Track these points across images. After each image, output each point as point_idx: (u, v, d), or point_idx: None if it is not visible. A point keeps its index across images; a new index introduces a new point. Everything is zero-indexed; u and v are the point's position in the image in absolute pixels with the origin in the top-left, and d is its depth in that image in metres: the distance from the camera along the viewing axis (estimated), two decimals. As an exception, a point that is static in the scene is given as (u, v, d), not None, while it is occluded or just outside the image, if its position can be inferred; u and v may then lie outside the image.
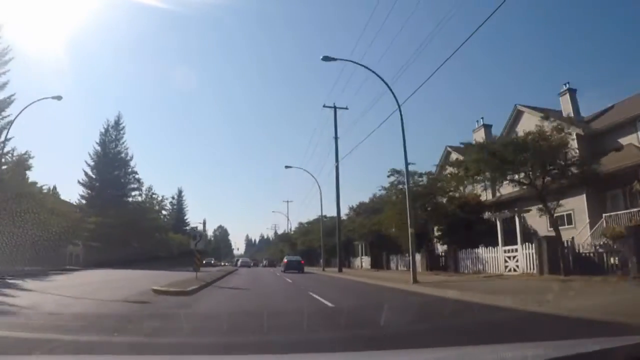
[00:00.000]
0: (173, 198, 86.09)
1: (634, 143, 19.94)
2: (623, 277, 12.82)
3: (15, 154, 31.47)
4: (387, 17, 72.53)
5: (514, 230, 22.18)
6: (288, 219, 76.14)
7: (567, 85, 27.78)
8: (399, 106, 18.59)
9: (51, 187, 50.89)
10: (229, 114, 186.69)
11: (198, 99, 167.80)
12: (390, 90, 18.87)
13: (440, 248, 27.05)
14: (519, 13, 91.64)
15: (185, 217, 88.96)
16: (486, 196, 28.66)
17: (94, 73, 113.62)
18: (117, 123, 56.74)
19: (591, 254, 16.38)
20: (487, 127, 31.08)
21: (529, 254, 17.48)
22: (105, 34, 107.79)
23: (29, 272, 23.65)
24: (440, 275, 19.85)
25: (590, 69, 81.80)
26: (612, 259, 15.82)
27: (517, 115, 27.92)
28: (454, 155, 33.48)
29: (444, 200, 25.62)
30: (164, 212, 66.15)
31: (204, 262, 58.43)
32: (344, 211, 46.34)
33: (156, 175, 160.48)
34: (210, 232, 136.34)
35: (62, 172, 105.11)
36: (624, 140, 20.86)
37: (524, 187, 16.72)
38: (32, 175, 36.07)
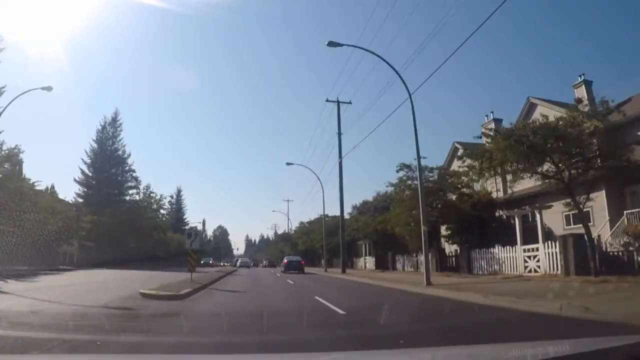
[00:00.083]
0: (172, 197, 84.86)
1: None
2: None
3: (4, 147, 30.06)
4: (390, 11, 71.19)
5: (529, 229, 20.94)
6: (288, 218, 74.87)
7: (583, 77, 26.49)
8: (409, 95, 17.47)
9: (49, 186, 50.26)
10: (229, 113, 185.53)
11: (197, 98, 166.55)
12: (400, 77, 17.71)
13: (449, 248, 25.72)
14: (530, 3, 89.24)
15: (184, 217, 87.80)
16: (496, 194, 27.39)
17: (92, 72, 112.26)
18: (115, 120, 55.54)
19: (620, 253, 15.09)
20: (498, 122, 29.73)
21: (552, 253, 16.17)
22: (104, 33, 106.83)
23: (18, 272, 22.49)
24: (453, 277, 18.55)
25: (604, 63, 79.58)
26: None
27: (530, 108, 26.65)
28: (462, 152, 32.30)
29: (454, 197, 24.29)
30: (162, 211, 64.67)
31: (202, 262, 57.57)
32: (347, 210, 45.18)
33: (156, 175, 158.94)
34: (210, 232, 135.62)
35: (61, 171, 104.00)
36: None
37: (547, 180, 15.34)
38: (29, 174, 34.91)
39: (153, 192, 60.21)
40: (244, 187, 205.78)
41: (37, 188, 40.26)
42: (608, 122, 22.42)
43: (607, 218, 19.47)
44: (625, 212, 18.14)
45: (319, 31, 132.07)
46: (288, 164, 40.88)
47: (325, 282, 20.34)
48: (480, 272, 19.98)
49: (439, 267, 23.43)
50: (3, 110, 24.49)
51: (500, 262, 18.87)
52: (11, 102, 24.61)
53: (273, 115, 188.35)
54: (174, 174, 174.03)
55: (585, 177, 15.09)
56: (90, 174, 53.09)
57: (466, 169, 16.94)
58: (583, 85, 26.22)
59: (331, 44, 17.80)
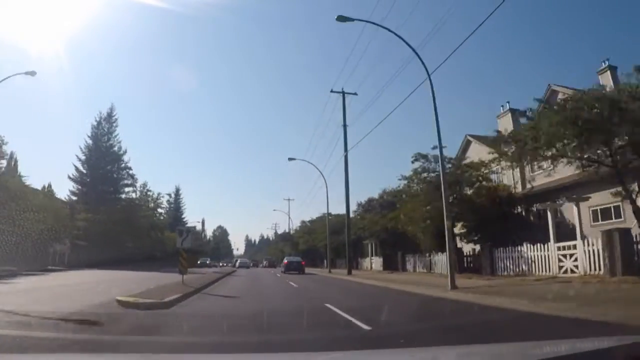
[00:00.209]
0: (170, 196, 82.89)
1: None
2: None
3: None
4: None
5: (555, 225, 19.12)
6: (289, 217, 72.91)
7: (607, 62, 24.61)
8: (428, 75, 15.60)
9: (46, 185, 48.57)
10: (228, 112, 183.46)
11: (196, 97, 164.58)
12: (418, 56, 15.80)
13: (465, 247, 23.77)
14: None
15: (183, 216, 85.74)
16: (514, 188, 25.51)
17: (92, 71, 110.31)
18: (110, 115, 53.54)
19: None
20: (514, 112, 27.86)
21: (593, 250, 14.24)
22: (103, 33, 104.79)
23: (-1, 273, 20.59)
24: (476, 279, 16.65)
25: (629, 47, 75.09)
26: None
27: (550, 96, 24.81)
28: (475, 145, 30.33)
29: (470, 191, 22.32)
30: (160, 210, 62.90)
31: (198, 262, 55.85)
32: (352, 208, 43.03)
33: (155, 175, 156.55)
34: (209, 233, 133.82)
35: (60, 172, 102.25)
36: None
37: (590, 167, 13.35)
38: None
39: (150, 191, 58.58)
40: (243, 187, 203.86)
41: (27, 183, 38.61)
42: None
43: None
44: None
45: (318, 31, 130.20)
46: (290, 159, 39.26)
47: (332, 284, 18.42)
48: (505, 273, 18.04)
49: (456, 268, 21.53)
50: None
51: (530, 261, 16.93)
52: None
53: (273, 114, 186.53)
54: (173, 173, 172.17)
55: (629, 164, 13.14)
56: (84, 171, 51.13)
57: (484, 160, 14.94)
58: (608, 72, 24.33)
59: (340, 18, 15.93)
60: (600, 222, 19.50)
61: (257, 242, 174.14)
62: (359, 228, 34.79)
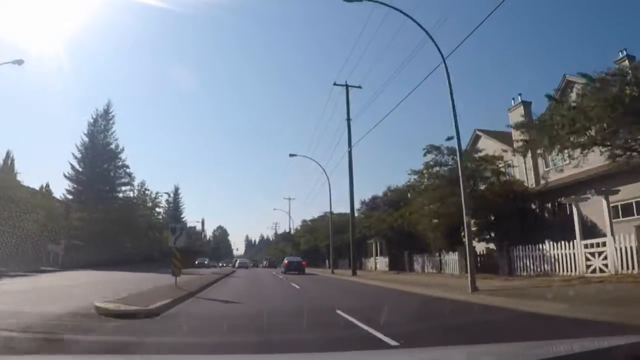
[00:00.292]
0: (169, 196, 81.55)
1: None
2: None
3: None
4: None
5: (569, 222, 17.94)
6: (290, 216, 71.71)
7: (625, 52, 23.37)
8: (443, 59, 14.45)
9: (44, 185, 47.45)
10: (228, 112, 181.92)
11: (196, 97, 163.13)
12: (432, 39, 14.65)
13: (478, 246, 22.49)
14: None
15: (182, 216, 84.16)
16: (527, 183, 24.28)
17: (92, 71, 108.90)
18: (107, 112, 52.12)
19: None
20: (527, 105, 26.63)
21: (625, 248, 12.97)
22: (102, 32, 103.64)
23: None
24: (494, 280, 15.39)
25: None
26: None
27: (566, 86, 23.58)
28: (484, 140, 29.11)
29: (483, 186, 21.03)
30: (158, 209, 61.61)
31: (196, 262, 54.62)
32: (356, 206, 41.71)
33: (154, 175, 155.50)
34: (209, 233, 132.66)
35: (57, 171, 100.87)
36: None
37: (623, 156, 12.07)
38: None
39: (148, 189, 57.39)
40: (243, 187, 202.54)
41: (21, 181, 37.51)
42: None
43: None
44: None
45: (317, 30, 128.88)
46: (291, 155, 37.94)
47: (337, 286, 17.14)
48: (525, 273, 16.76)
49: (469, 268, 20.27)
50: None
51: (552, 260, 15.65)
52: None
53: (273, 113, 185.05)
54: (173, 174, 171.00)
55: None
56: (80, 169, 49.79)
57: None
58: (626, 61, 23.13)
59: (347, -4, 14.70)
60: (621, 219, 18.29)
61: (257, 242, 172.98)
62: (364, 226, 33.45)
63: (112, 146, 51.41)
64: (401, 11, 15.31)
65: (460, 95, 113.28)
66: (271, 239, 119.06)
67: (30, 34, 68.33)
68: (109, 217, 43.33)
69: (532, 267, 16.63)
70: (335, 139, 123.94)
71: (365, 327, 6.12)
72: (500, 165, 20.03)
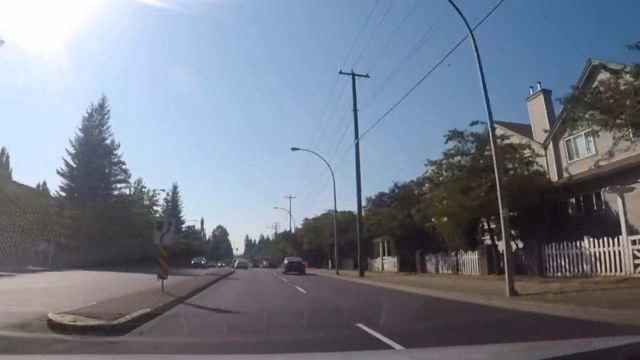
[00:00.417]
0: (167, 194, 79.57)
1: None
2: None
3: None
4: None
5: (597, 218, 16.15)
6: (290, 215, 69.79)
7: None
8: (470, 31, 12.68)
9: (41, 183, 45.83)
10: (227, 112, 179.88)
11: (195, 97, 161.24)
12: (458, 10, 12.87)
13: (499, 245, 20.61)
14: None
15: (181, 215, 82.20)
16: (549, 176, 22.43)
17: (91, 71, 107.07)
18: (102, 106, 50.22)
19: None
20: (547, 93, 24.83)
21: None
22: (101, 32, 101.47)
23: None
24: (527, 282, 13.48)
25: None
26: None
27: (591, 72, 21.76)
28: (500, 132, 27.28)
29: (506, 178, 19.10)
30: (155, 207, 59.66)
31: (192, 262, 52.73)
32: (362, 203, 39.81)
33: (153, 174, 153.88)
34: (209, 233, 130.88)
35: (53, 168, 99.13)
36: None
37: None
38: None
39: (145, 187, 55.55)
40: (243, 186, 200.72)
41: (13, 177, 35.77)
42: None
43: None
44: None
45: (318, 30, 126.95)
46: (294, 149, 36.18)
47: (348, 291, 15.24)
48: (560, 274, 14.88)
49: (490, 269, 18.41)
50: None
51: (592, 259, 13.77)
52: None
53: (273, 113, 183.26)
54: (172, 173, 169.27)
55: None
56: (74, 165, 47.89)
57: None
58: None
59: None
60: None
61: (257, 242, 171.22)
62: (372, 224, 31.50)
63: (108, 142, 49.57)
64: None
65: (470, 89, 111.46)
66: (271, 238, 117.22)
67: (31, 34, 66.78)
68: (103, 214, 41.56)
69: (567, 266, 14.75)
70: (337, 138, 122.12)
71: (394, 344, 4.26)
72: (527, 155, 18.13)
